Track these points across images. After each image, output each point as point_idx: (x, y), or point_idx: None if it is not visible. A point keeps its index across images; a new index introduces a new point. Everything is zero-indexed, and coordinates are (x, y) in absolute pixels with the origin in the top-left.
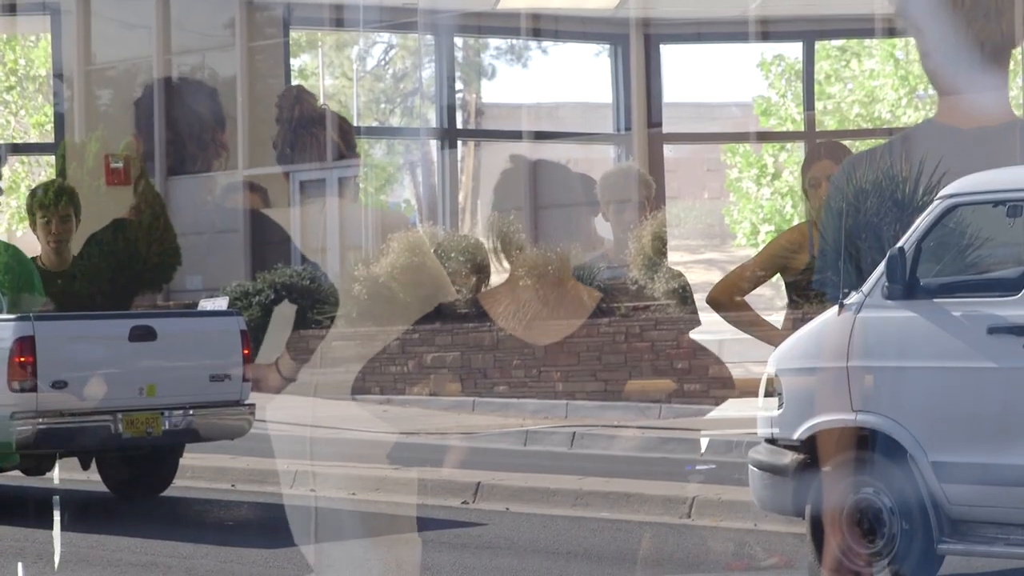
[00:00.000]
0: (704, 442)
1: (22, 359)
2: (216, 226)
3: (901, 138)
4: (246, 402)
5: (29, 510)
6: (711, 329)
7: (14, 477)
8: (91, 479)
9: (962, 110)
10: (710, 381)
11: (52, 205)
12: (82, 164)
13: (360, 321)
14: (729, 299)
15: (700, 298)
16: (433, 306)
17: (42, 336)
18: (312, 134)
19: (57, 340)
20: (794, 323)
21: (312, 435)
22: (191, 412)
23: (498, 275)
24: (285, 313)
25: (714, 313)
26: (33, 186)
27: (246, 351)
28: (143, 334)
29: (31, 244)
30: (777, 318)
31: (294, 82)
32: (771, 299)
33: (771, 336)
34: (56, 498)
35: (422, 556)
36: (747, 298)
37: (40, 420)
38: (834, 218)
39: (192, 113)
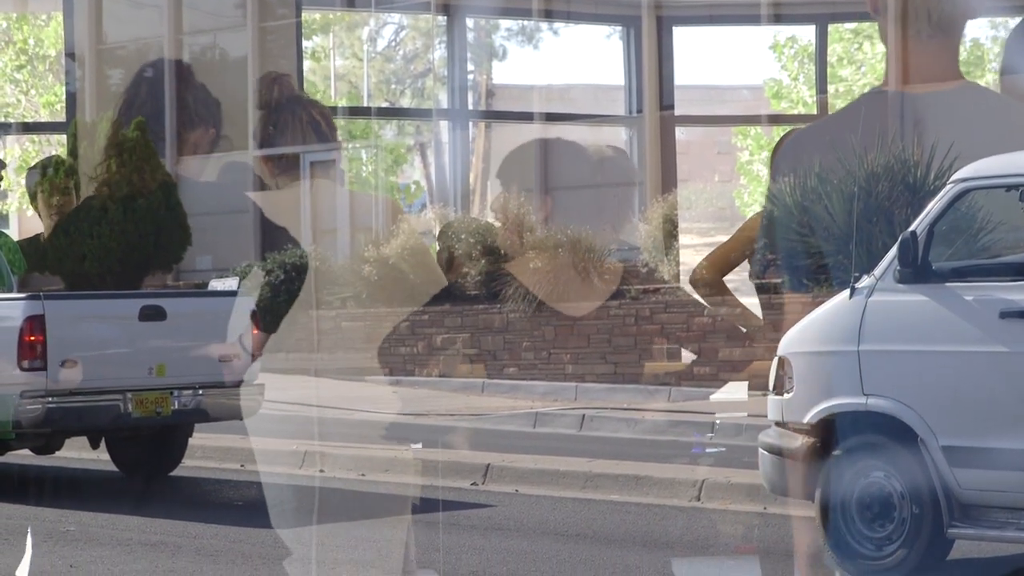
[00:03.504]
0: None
1: (32, 338)
2: (226, 206)
3: (848, 107)
4: (255, 382)
5: (39, 489)
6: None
7: (24, 456)
8: (100, 458)
9: (912, 75)
10: (720, 364)
11: (52, 180)
12: (93, 143)
13: (370, 302)
14: (713, 279)
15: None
16: (429, 295)
17: (52, 315)
18: (294, 117)
19: (67, 319)
20: (803, 307)
21: (321, 415)
22: (200, 392)
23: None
24: (252, 281)
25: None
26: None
27: (255, 332)
28: (153, 314)
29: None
30: (751, 302)
31: (305, 62)
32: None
33: (748, 318)
34: (65, 477)
35: (430, 537)
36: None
37: (49, 399)
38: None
39: (203, 93)
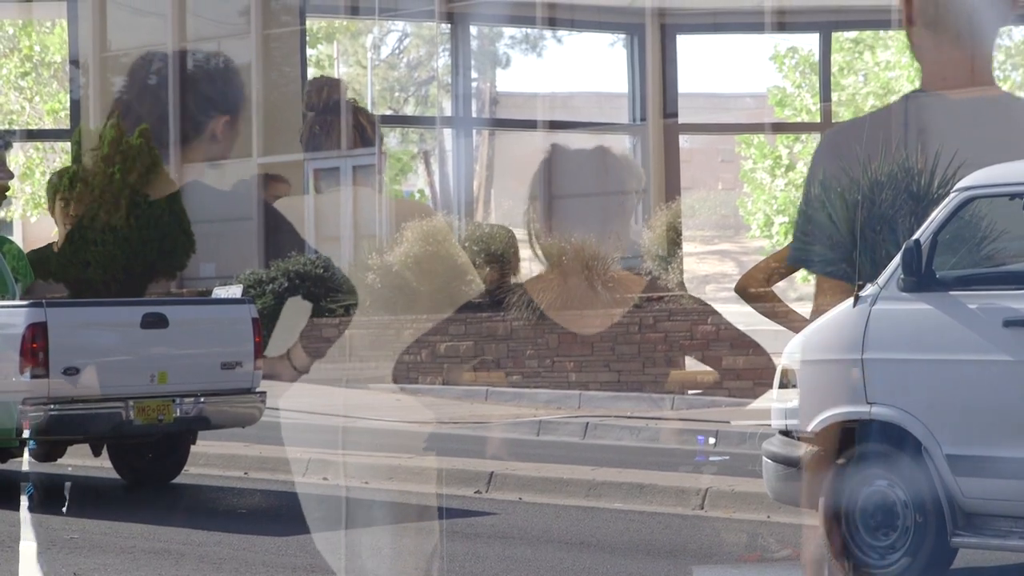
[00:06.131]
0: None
1: (34, 345)
2: (230, 214)
3: (887, 109)
4: (257, 390)
5: (41, 497)
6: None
7: (28, 464)
8: (104, 466)
9: (948, 80)
10: (724, 372)
11: (69, 190)
12: (97, 151)
13: (375, 311)
14: (756, 288)
15: (711, 289)
16: (462, 300)
17: (54, 322)
18: (340, 122)
19: (69, 327)
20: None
21: (325, 424)
22: (202, 399)
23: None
24: (298, 306)
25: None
26: (49, 172)
27: (257, 339)
28: (155, 321)
29: (46, 230)
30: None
31: (309, 70)
32: (785, 292)
33: (797, 325)
34: (68, 485)
35: (434, 545)
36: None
37: (52, 406)
38: (824, 198)
39: (207, 100)
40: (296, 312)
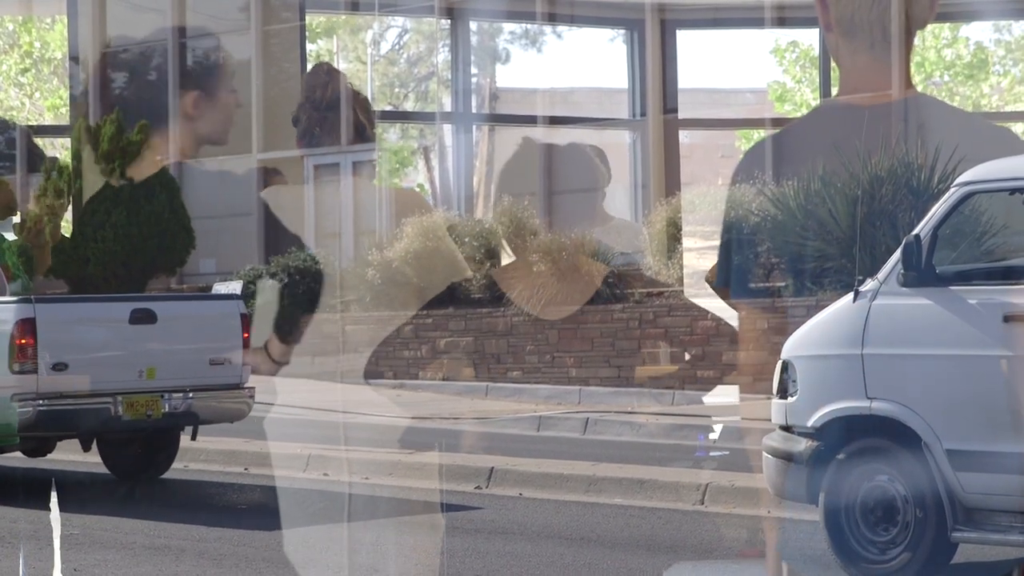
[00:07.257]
0: (717, 429)
1: (23, 341)
2: (230, 209)
3: (800, 121)
4: (246, 385)
5: (36, 492)
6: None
7: (18, 459)
8: (95, 461)
9: (860, 87)
10: (724, 367)
11: (55, 183)
12: (97, 146)
13: (374, 305)
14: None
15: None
16: (446, 284)
17: (43, 318)
18: (339, 115)
19: (58, 322)
20: (807, 310)
21: (325, 419)
22: (191, 395)
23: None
24: (268, 290)
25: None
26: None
27: (246, 335)
28: (143, 317)
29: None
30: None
31: (309, 66)
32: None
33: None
34: (61, 480)
35: (433, 541)
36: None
37: (41, 402)
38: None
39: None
40: (272, 303)
